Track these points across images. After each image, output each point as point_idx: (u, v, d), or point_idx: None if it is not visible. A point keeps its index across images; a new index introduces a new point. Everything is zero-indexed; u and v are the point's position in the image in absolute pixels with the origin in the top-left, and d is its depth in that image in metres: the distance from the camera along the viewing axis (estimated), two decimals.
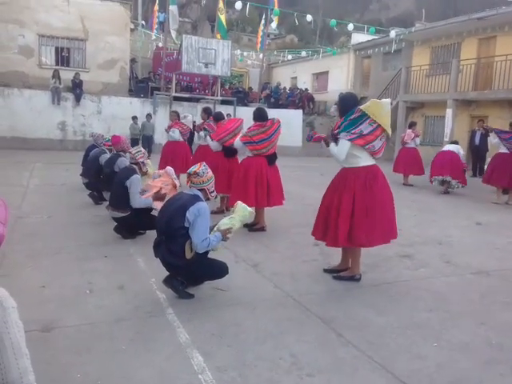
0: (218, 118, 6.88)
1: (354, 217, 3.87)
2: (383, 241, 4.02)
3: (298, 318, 3.35)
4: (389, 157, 16.56)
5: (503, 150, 9.00)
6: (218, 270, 3.56)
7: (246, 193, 5.43)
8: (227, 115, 15.93)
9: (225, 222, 3.60)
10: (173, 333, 3.04)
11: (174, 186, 5.16)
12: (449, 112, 15.62)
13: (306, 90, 24.41)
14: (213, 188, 3.64)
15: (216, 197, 3.80)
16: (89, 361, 2.67)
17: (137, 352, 2.78)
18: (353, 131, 3.84)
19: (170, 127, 8.86)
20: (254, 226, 5.80)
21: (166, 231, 3.46)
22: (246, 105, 18.49)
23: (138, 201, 4.98)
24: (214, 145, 6.48)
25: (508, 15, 14.42)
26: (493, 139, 9.27)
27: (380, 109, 3.85)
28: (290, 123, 18.30)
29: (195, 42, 15.54)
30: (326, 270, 4.32)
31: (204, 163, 3.63)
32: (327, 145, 4.10)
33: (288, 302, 3.64)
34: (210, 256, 3.61)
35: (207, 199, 3.62)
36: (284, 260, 4.71)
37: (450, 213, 7.98)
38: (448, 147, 10.31)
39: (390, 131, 3.92)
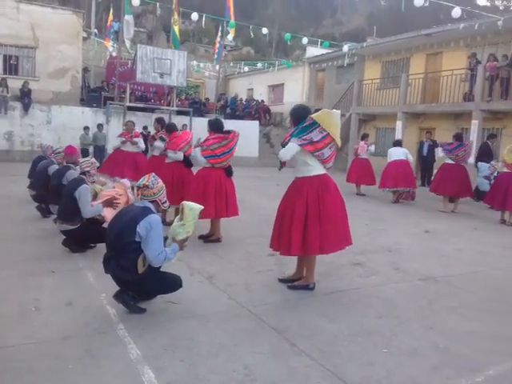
0: (172, 129, 6.81)
1: (307, 225, 3.92)
2: (337, 248, 4.10)
3: (251, 329, 3.34)
4: (342, 167, 16.95)
5: (449, 160, 9.42)
6: (170, 284, 3.50)
7: (205, 204, 5.37)
8: (183, 126, 15.86)
9: (179, 232, 3.53)
10: (123, 349, 2.95)
11: (127, 199, 5.03)
12: (399, 124, 16.20)
13: (262, 101, 24.68)
14: (165, 198, 3.59)
15: (169, 207, 3.73)
16: (31, 382, 2.55)
17: (85, 370, 2.68)
18: (303, 137, 3.94)
19: (131, 137, 8.63)
20: (209, 238, 5.76)
21: (116, 246, 3.37)
22: (202, 115, 18.46)
23: (89, 210, 4.83)
24: (175, 156, 6.41)
25: (453, 32, 15.17)
26: (440, 153, 9.70)
27: (330, 118, 3.97)
28: (247, 134, 18.35)
29: (150, 51, 15.39)
30: (280, 280, 4.34)
31: (153, 174, 3.57)
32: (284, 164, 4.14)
33: (242, 313, 3.62)
34: (162, 269, 3.54)
35: (158, 211, 3.56)
36: (239, 271, 4.70)
37: (399, 221, 8.24)
38: (396, 152, 10.61)
39: (339, 141, 4.04)
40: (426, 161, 11.67)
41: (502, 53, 14.09)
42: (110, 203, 4.83)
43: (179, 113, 17.80)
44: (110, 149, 15.06)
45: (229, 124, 18.32)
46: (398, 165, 10.33)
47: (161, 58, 15.31)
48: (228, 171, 5.71)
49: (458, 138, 9.59)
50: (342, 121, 19.50)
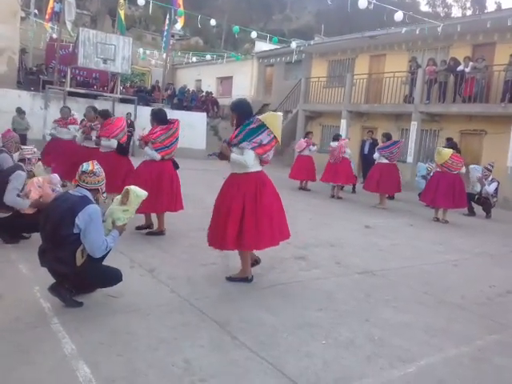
0: (106, 115, 6.56)
1: (243, 221, 3.93)
2: (271, 244, 4.13)
3: (193, 322, 3.30)
4: (289, 163, 17.17)
5: (382, 160, 9.86)
6: (110, 277, 3.39)
7: (158, 198, 5.28)
8: (128, 114, 15.42)
9: (120, 217, 3.43)
10: (57, 344, 2.83)
11: (45, 195, 4.71)
12: (343, 122, 16.65)
13: (211, 93, 24.49)
14: (104, 188, 3.46)
15: (106, 197, 3.60)
16: None
17: (14, 367, 2.54)
18: (254, 140, 3.94)
19: (66, 123, 8.24)
20: (152, 230, 5.64)
21: (53, 238, 3.20)
22: (147, 104, 18.02)
23: (12, 197, 4.48)
24: (108, 143, 6.22)
25: (396, 35, 15.75)
26: (376, 156, 10.11)
27: (276, 121, 4.04)
28: (194, 126, 18.21)
29: (93, 35, 14.77)
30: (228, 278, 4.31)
31: (95, 161, 3.44)
32: (221, 158, 4.11)
33: (184, 306, 3.58)
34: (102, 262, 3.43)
35: (96, 200, 3.43)
36: (181, 264, 4.64)
37: (342, 216, 8.47)
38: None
39: (280, 142, 4.12)
40: (367, 159, 12.14)
41: (440, 58, 14.82)
42: (37, 205, 4.56)
43: (123, 101, 17.27)
44: (47, 135, 14.40)
45: (176, 115, 17.99)
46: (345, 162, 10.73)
47: (104, 43, 14.75)
48: (174, 163, 5.62)
49: (389, 137, 10.07)
50: (290, 117, 19.81)
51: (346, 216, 8.58)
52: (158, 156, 5.37)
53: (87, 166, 3.34)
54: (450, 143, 9.30)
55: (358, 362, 2.96)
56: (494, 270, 5.60)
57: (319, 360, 2.92)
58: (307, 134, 12.19)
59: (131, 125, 14.51)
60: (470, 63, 13.30)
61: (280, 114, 4.19)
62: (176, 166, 5.66)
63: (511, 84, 12.39)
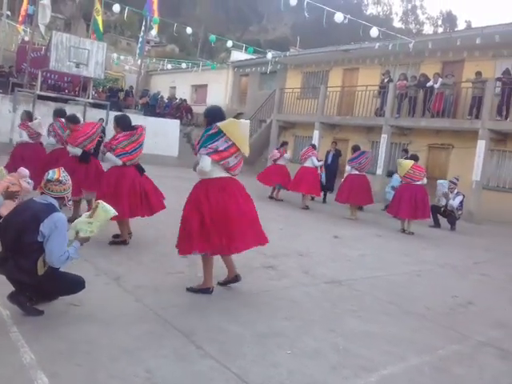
0: (74, 120, 6.44)
1: (206, 226, 3.92)
2: (243, 248, 4.14)
3: (157, 332, 3.26)
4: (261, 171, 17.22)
5: (354, 171, 10.06)
6: (72, 285, 3.31)
7: (119, 204, 5.18)
8: (100, 119, 15.19)
9: (83, 228, 3.36)
10: (15, 353, 2.74)
11: (23, 189, 4.62)
12: (316, 133, 16.84)
13: (185, 100, 24.42)
14: (70, 195, 3.40)
15: (70, 199, 3.52)
16: None
17: None
18: (209, 146, 3.95)
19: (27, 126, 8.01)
20: (115, 239, 5.50)
21: (15, 246, 3.10)
22: (120, 110, 17.81)
23: None
24: (73, 150, 6.12)
25: (369, 50, 16.10)
26: (347, 168, 10.30)
27: (236, 128, 4.02)
28: (167, 133, 18.11)
29: (66, 39, 14.55)
30: (220, 283, 4.31)
31: (62, 169, 3.37)
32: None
33: (148, 315, 3.53)
34: (66, 269, 3.35)
35: (61, 208, 3.36)
36: (149, 272, 4.58)
37: (312, 226, 8.54)
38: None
39: (246, 150, 4.08)
40: (329, 169, 12.36)
41: (411, 73, 15.22)
42: (10, 195, 4.45)
43: (95, 105, 17.04)
44: (15, 139, 14.05)
45: (149, 122, 18.00)
46: (306, 170, 10.89)
47: (78, 47, 14.54)
48: (139, 168, 5.55)
49: (356, 148, 10.30)
50: (264, 127, 19.92)
51: (316, 226, 8.65)
52: (119, 162, 5.30)
53: (53, 174, 3.26)
54: (413, 155, 9.52)
55: (322, 371, 2.98)
56: (457, 281, 5.74)
57: (284, 369, 2.92)
58: (283, 144, 12.30)
59: (103, 130, 14.29)
60: (440, 79, 13.71)
61: (245, 121, 4.17)
62: (141, 171, 5.58)
63: (478, 100, 12.82)
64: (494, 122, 12.33)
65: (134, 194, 5.32)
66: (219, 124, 3.99)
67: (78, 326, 3.19)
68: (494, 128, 12.32)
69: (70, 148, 6.19)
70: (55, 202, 3.24)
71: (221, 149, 3.95)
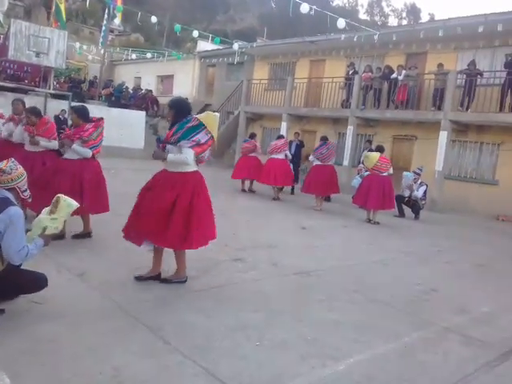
0: (39, 113, 6.21)
1: (177, 219, 3.89)
2: (205, 243, 4.16)
3: (124, 328, 3.20)
4: (229, 163, 17.19)
5: (318, 162, 10.19)
6: (34, 283, 3.20)
7: (83, 198, 5.06)
8: (62, 111, 14.76)
9: (47, 225, 3.25)
10: None
11: None
12: (283, 125, 16.88)
13: (151, 91, 24.00)
14: (25, 186, 3.24)
15: (30, 197, 3.37)
16: None
17: None
18: (192, 139, 3.92)
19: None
20: (78, 233, 5.35)
21: None
22: (83, 101, 17.34)
23: None
24: (48, 144, 5.88)
25: (335, 41, 16.20)
26: (310, 158, 10.42)
27: (213, 121, 4.06)
28: (133, 124, 17.76)
29: (26, 28, 14.01)
30: (137, 278, 4.18)
31: (12, 159, 3.23)
32: (155, 157, 4.06)
33: (115, 312, 3.46)
34: (26, 266, 3.23)
35: (21, 201, 3.23)
36: (114, 267, 4.49)
37: (280, 218, 8.58)
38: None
39: (215, 143, 4.17)
40: (292, 159, 12.45)
41: (376, 65, 15.41)
42: None
43: (56, 96, 16.51)
44: None
45: (113, 113, 17.62)
46: (275, 162, 10.89)
47: (38, 36, 14.03)
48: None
49: (323, 139, 10.50)
50: (232, 118, 19.83)
51: (284, 217, 8.70)
52: (89, 154, 5.17)
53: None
54: (378, 146, 9.68)
55: (291, 362, 3.00)
56: (421, 269, 5.89)
57: (253, 362, 2.93)
58: (252, 136, 12.26)
59: (64, 122, 13.89)
60: (403, 71, 13.95)
61: (217, 114, 4.22)
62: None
63: (440, 92, 13.12)
64: (456, 113, 12.66)
65: (98, 189, 5.20)
66: (199, 116, 4.00)
67: (41, 325, 3.09)
68: (456, 119, 12.66)
69: (44, 142, 5.83)
70: (11, 196, 3.11)
71: (202, 142, 3.97)
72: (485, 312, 4.42)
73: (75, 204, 3.41)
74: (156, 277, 4.20)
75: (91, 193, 5.12)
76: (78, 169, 5.13)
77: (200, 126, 3.96)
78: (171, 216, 3.90)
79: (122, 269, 4.48)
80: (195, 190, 3.99)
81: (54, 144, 5.90)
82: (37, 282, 3.21)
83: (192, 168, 4.04)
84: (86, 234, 5.38)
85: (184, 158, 3.93)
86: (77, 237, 5.31)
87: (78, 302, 3.56)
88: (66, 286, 3.87)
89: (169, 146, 4.01)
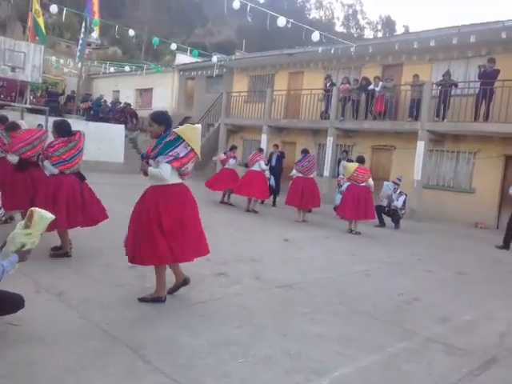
0: (13, 127, 6.14)
1: (160, 234, 3.85)
2: (195, 256, 4.13)
3: (104, 348, 3.13)
4: (211, 175, 17.11)
5: (299, 174, 10.25)
6: (10, 304, 3.10)
7: (57, 214, 4.94)
8: (38, 125, 14.52)
9: (22, 241, 3.15)
10: None
11: None
12: (264, 137, 16.97)
13: (129, 105, 23.87)
14: None
15: (4, 215, 3.29)
16: None
17: None
18: (170, 153, 3.89)
19: None
20: (57, 252, 5.24)
21: None
22: (60, 115, 17.12)
23: None
24: (11, 158, 5.81)
25: (313, 54, 16.42)
26: (293, 172, 10.48)
27: (194, 134, 4.01)
28: (112, 138, 17.60)
29: (1, 42, 13.84)
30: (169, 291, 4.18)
31: None
32: (143, 170, 4.02)
33: (94, 332, 3.38)
34: (2, 286, 3.14)
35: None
36: (94, 286, 4.40)
37: (262, 231, 8.57)
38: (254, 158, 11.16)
39: (199, 155, 4.09)
40: (274, 170, 12.47)
41: (354, 77, 15.65)
42: None
43: (33, 111, 16.29)
44: None
45: (92, 127, 17.43)
46: (254, 174, 10.91)
47: (13, 50, 13.87)
48: (79, 176, 5.34)
49: (304, 151, 10.59)
50: (212, 131, 19.83)
51: (266, 230, 8.69)
52: (55, 170, 5.08)
53: None
54: (359, 157, 9.77)
55: (275, 377, 2.96)
56: (402, 279, 5.94)
57: (237, 379, 2.89)
58: (232, 148, 12.28)
59: None
60: (380, 82, 14.20)
61: (198, 126, 4.15)
62: (82, 178, 5.37)
63: (417, 102, 13.38)
64: (432, 123, 12.92)
65: (74, 204, 5.10)
66: (177, 130, 3.95)
67: (19, 347, 3.00)
68: (433, 129, 12.91)
69: (9, 157, 5.89)
70: None
71: (181, 155, 3.92)
72: (466, 320, 4.47)
73: (50, 216, 3.32)
74: (183, 282, 4.23)
75: (69, 208, 5.02)
76: (54, 185, 5.04)
77: (178, 140, 3.92)
78: (154, 231, 3.85)
79: (102, 286, 4.39)
80: (179, 203, 3.96)
81: (14, 159, 5.83)
82: (13, 303, 3.11)
83: (174, 181, 3.98)
84: (64, 254, 5.25)
85: (158, 172, 3.90)
86: (55, 256, 5.20)
87: (56, 323, 3.47)
88: (45, 306, 3.77)
89: (150, 161, 3.99)
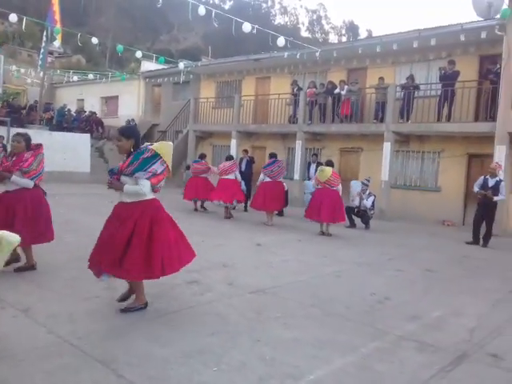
0: None
1: (135, 248, 3.79)
2: (175, 269, 4.09)
3: (73, 364, 3.03)
4: (180, 184, 16.98)
5: (267, 178, 10.29)
6: None
7: (36, 227, 4.93)
8: (0, 137, 14.10)
9: None
10: None
11: None
12: (233, 142, 16.98)
13: (95, 113, 23.45)
14: None
15: None
16: None
17: None
18: (149, 170, 3.87)
19: None
20: (21, 266, 5.07)
21: None
22: (22, 126, 16.66)
23: None
24: None
25: (279, 59, 16.55)
26: (261, 176, 10.46)
27: (169, 151, 4.02)
28: (77, 148, 17.26)
29: None
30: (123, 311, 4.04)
31: None
32: (115, 188, 3.94)
33: (63, 347, 3.27)
34: None
35: None
36: (61, 300, 4.27)
37: (234, 236, 8.53)
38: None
39: (171, 172, 4.12)
40: (244, 175, 12.49)
41: (320, 81, 15.86)
42: None
43: None
44: None
45: (56, 137, 17.05)
46: (228, 181, 10.86)
47: None
48: (41, 189, 5.23)
49: (272, 156, 10.66)
50: (180, 137, 19.69)
51: (238, 235, 8.66)
52: (31, 184, 4.94)
53: None
54: (328, 161, 9.89)
55: None
56: (374, 278, 6.01)
57: None
58: (202, 157, 12.20)
59: (4, 149, 13.26)
60: (346, 86, 14.43)
61: (171, 143, 4.18)
62: (43, 193, 5.27)
63: (382, 104, 13.65)
64: (397, 124, 13.20)
65: (37, 218, 4.98)
66: (154, 147, 3.93)
67: None
68: (398, 130, 13.20)
69: None
70: None
71: (158, 172, 3.92)
72: (436, 317, 4.55)
73: (16, 240, 3.20)
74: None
75: (28, 223, 4.85)
76: (13, 200, 4.88)
77: (156, 157, 3.90)
78: (130, 247, 3.79)
79: (69, 300, 4.27)
80: (154, 218, 3.92)
81: None
82: None
83: (149, 196, 3.97)
84: (29, 267, 5.09)
85: (139, 189, 3.86)
86: (20, 270, 5.02)
87: (23, 340, 3.34)
88: (11, 323, 3.63)
89: (123, 178, 3.90)
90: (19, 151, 4.97)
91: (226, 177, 10.96)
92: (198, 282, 5.20)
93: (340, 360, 3.39)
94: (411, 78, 13.19)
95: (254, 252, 7.21)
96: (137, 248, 3.80)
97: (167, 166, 4.00)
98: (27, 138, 5.07)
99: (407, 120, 13.21)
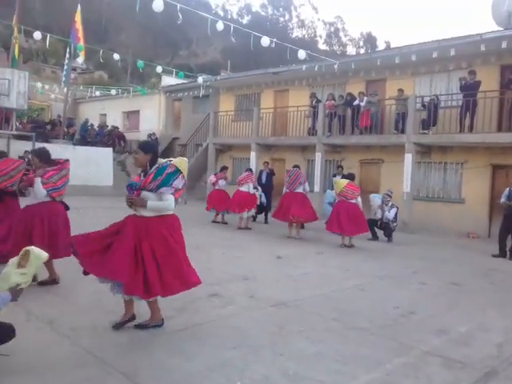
0: None
1: (153, 266, 3.79)
2: (186, 287, 4.03)
3: (97, 376, 3.05)
4: (201, 196, 17.10)
5: (287, 190, 10.36)
6: (0, 334, 3.03)
7: (59, 242, 4.98)
8: (25, 152, 14.45)
9: (17, 281, 3.06)
10: None
11: None
12: (253, 155, 17.04)
13: (117, 127, 23.87)
14: None
15: None
16: None
17: None
18: (173, 185, 3.89)
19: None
20: (43, 280, 5.12)
21: None
22: (47, 141, 17.05)
23: None
24: None
25: (297, 72, 16.62)
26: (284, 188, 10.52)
27: (186, 167, 4.05)
28: (100, 162, 17.56)
29: None
30: (114, 326, 3.96)
31: None
32: (138, 205, 3.93)
33: (87, 360, 3.30)
34: None
35: None
36: (85, 312, 4.32)
37: (254, 248, 8.52)
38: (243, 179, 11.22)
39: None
40: (264, 188, 12.49)
41: (338, 93, 15.85)
42: None
43: (20, 137, 16.20)
44: None
45: (79, 151, 17.41)
46: (242, 194, 11.00)
47: None
48: (64, 205, 5.31)
49: (295, 166, 10.69)
50: (201, 150, 19.88)
51: (258, 247, 8.64)
52: (43, 193, 4.99)
53: None
54: (349, 174, 9.86)
55: None
56: (397, 292, 5.91)
57: None
58: (222, 169, 12.32)
59: (29, 163, 13.58)
60: (365, 98, 14.38)
61: (186, 159, 4.21)
62: (66, 208, 5.35)
63: (402, 115, 13.55)
64: (418, 135, 13.06)
65: (65, 232, 5.07)
66: (174, 162, 3.96)
67: (10, 379, 2.93)
68: (419, 141, 13.05)
69: None
70: None
71: (180, 187, 3.96)
72: (462, 332, 4.44)
73: (44, 256, 3.26)
74: (132, 318, 4.03)
75: (46, 237, 4.92)
76: (31, 214, 4.99)
77: (177, 172, 3.92)
78: (144, 263, 3.77)
79: (92, 313, 4.31)
80: (172, 233, 3.92)
81: None
82: (4, 333, 3.03)
83: (171, 212, 3.99)
84: (52, 281, 5.15)
85: (168, 204, 3.88)
86: (42, 284, 5.09)
87: (47, 352, 3.38)
88: (35, 334, 3.69)
89: (145, 193, 3.87)
90: (37, 166, 5.09)
91: (241, 188, 11.06)
92: (219, 295, 5.19)
93: (365, 376, 3.32)
94: (436, 96, 13.04)
95: (275, 264, 7.18)
96: (153, 266, 3.78)
97: (185, 181, 4.05)
98: (39, 153, 5.17)
99: (428, 131, 13.05)
